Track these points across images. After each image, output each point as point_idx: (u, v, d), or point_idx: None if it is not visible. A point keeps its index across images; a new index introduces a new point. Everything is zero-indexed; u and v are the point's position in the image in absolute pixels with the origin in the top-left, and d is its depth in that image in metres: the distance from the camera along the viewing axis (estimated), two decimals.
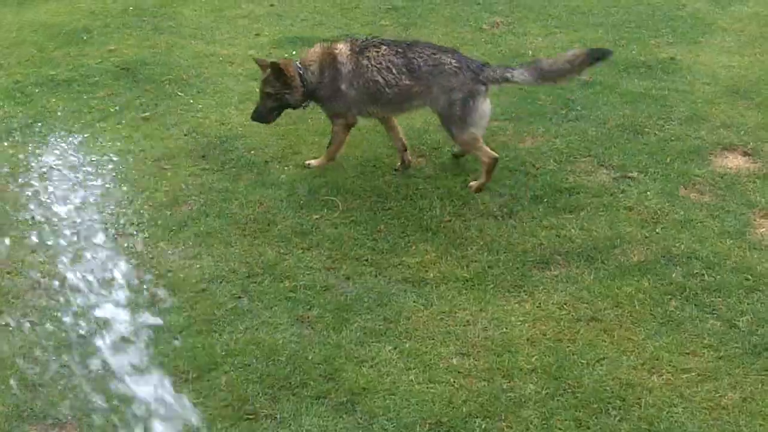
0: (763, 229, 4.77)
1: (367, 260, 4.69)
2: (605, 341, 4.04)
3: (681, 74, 6.63)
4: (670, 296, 4.29)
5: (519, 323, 4.18)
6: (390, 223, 5.00)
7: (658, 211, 4.96)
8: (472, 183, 5.31)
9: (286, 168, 5.57)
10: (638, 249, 4.66)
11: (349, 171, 5.51)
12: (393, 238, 4.85)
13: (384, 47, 5.29)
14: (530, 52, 7.26)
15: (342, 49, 5.34)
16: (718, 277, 4.39)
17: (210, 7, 8.67)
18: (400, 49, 5.28)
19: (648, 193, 5.13)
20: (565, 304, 4.29)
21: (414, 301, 4.36)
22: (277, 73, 5.29)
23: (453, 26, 7.89)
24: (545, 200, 5.14)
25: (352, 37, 5.68)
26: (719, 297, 4.26)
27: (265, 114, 5.47)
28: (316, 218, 5.04)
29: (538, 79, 5.17)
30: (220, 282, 4.52)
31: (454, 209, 5.11)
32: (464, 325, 4.18)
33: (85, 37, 8.01)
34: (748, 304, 4.21)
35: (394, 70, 5.21)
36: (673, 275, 4.42)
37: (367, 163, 5.61)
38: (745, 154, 5.52)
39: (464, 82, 5.15)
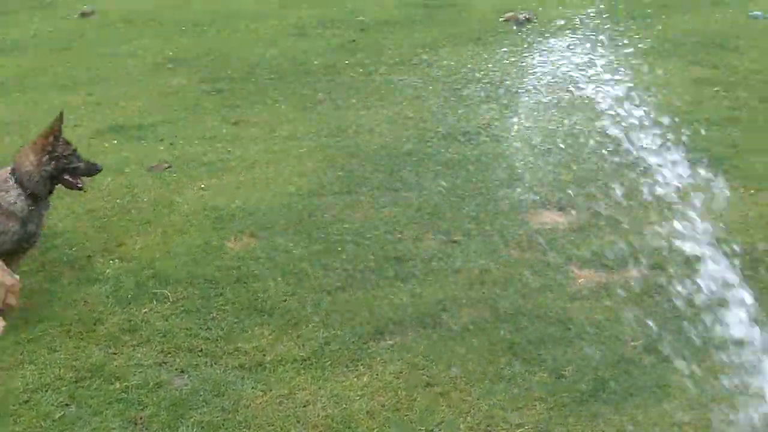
0: (582, 280, 5.02)
1: (201, 350, 4.58)
2: (442, 405, 4.09)
3: (497, 138, 6.95)
4: (500, 354, 4.41)
5: (358, 397, 4.18)
6: (223, 309, 4.92)
7: (484, 272, 5.13)
8: None
9: (110, 262, 5.40)
10: (467, 310, 4.79)
11: (178, 259, 5.41)
12: (227, 325, 4.78)
13: None
14: (354, 127, 7.44)
15: None
16: (543, 330, 4.56)
17: (25, 99, 8.42)
18: None
19: (473, 254, 5.31)
20: (402, 372, 4.33)
21: (252, 388, 4.28)
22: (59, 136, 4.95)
23: (277, 105, 7.99)
24: (377, 270, 5.22)
25: None
26: (545, 349, 4.41)
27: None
28: (145, 312, 4.90)
29: None
30: (46, 390, 4.28)
31: (288, 288, 5.10)
32: (304, 406, 4.14)
33: None
34: (572, 353, 4.38)
35: None
36: (502, 333, 4.56)
37: (197, 249, 5.53)
38: (559, 209, 5.81)
39: None
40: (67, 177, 5.02)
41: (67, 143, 5.02)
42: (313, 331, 4.71)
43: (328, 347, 4.57)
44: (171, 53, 9.52)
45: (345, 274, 5.20)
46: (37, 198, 4.93)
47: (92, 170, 5.16)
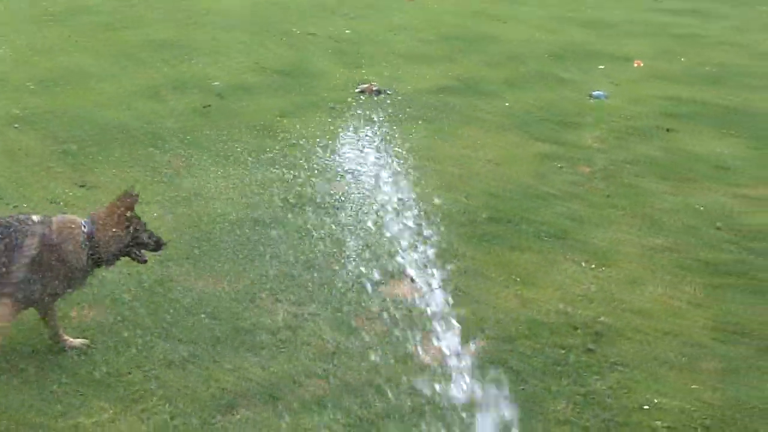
0: (432, 351, 5.10)
1: (39, 426, 4.37)
2: None
3: (350, 209, 7.04)
4: (350, 428, 4.42)
5: None
6: (63, 381, 4.72)
7: (335, 344, 5.15)
8: None
9: None
10: (318, 383, 4.78)
11: (16, 328, 5.14)
12: (67, 398, 4.59)
13: None
14: (207, 192, 7.36)
15: None
16: (392, 403, 4.60)
17: None
18: None
19: (323, 326, 5.32)
20: None
21: None
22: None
23: (127, 169, 7.79)
24: (227, 342, 5.15)
25: None
26: (394, 423, 4.45)
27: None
28: None
29: None
30: None
31: (132, 360, 4.95)
32: None
33: None
34: (422, 428, 4.43)
35: None
36: (353, 407, 4.57)
37: (37, 317, 5.28)
38: (411, 281, 5.91)
39: None
40: (135, 251, 5.00)
41: (138, 218, 4.99)
42: (158, 405, 4.59)
43: (173, 422, 4.46)
44: (18, 112, 9.16)
45: (193, 346, 5.10)
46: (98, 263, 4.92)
47: (160, 246, 5.13)
